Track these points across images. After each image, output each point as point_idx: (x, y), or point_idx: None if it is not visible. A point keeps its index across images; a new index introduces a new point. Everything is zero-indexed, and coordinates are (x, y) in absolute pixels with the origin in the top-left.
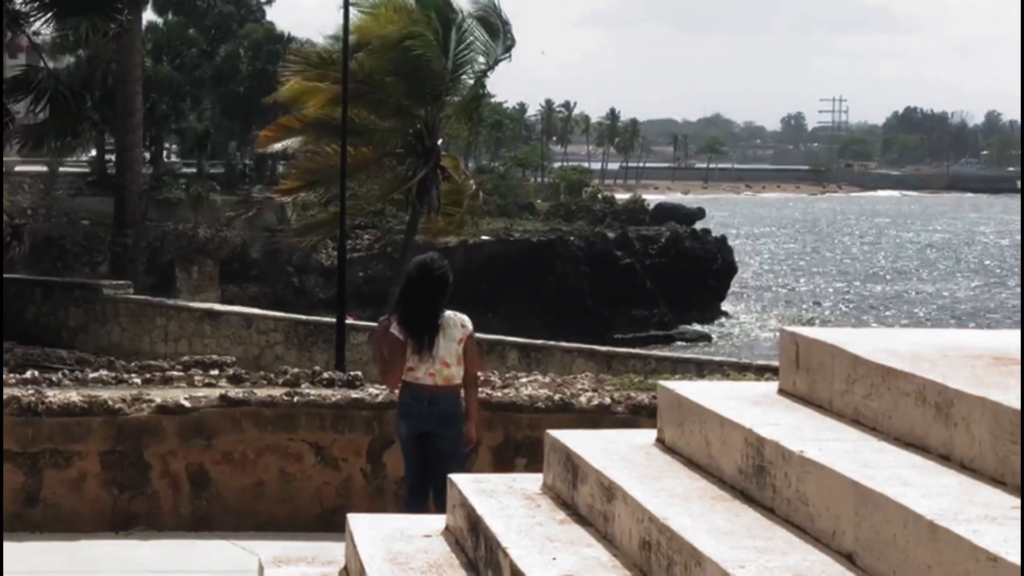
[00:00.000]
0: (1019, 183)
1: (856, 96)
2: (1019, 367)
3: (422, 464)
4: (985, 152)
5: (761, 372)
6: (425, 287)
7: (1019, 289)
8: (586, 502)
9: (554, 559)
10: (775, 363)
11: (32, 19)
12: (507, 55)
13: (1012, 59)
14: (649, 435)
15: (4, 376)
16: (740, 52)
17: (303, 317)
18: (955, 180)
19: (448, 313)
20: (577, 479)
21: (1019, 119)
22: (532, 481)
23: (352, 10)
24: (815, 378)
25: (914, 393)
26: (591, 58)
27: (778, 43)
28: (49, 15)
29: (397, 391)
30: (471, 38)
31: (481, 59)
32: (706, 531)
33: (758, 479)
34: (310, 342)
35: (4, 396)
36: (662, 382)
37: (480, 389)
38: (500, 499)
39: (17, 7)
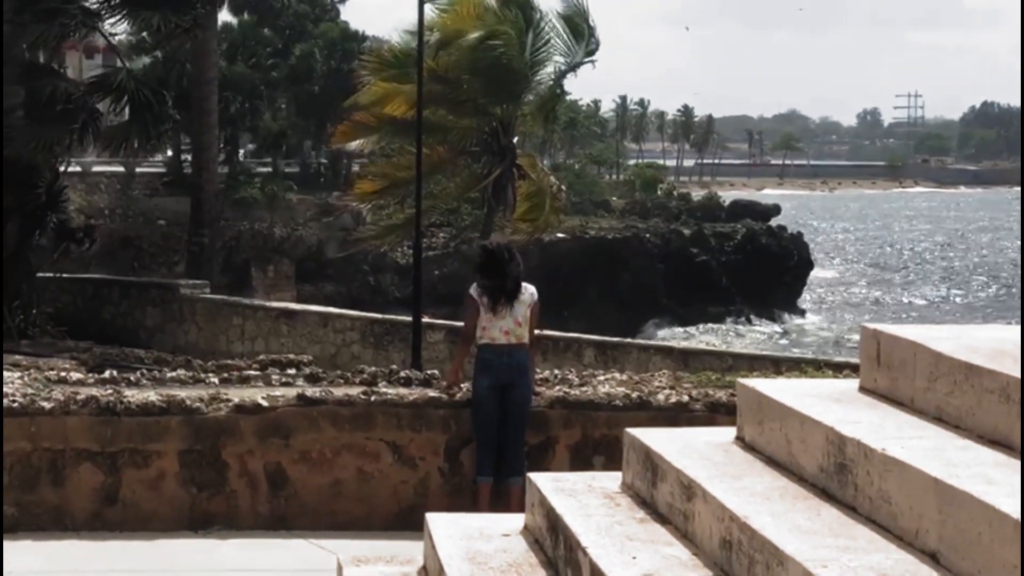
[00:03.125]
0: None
1: (932, 91)
2: None
3: (496, 417)
4: None
5: (839, 369)
6: (489, 262)
7: None
8: (666, 501)
9: (634, 558)
10: (853, 360)
11: (105, 16)
12: (591, 59)
13: None
14: (728, 433)
15: (83, 376)
16: (815, 48)
17: (379, 316)
18: None
19: (523, 283)
20: (657, 478)
21: None
22: (611, 480)
23: (428, 7)
24: (896, 375)
25: (998, 390)
26: (663, 56)
27: (853, 39)
28: (120, 14)
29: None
30: (549, 35)
31: (560, 58)
32: (788, 530)
33: (839, 477)
34: (386, 341)
35: (83, 396)
36: (741, 380)
37: (558, 387)
38: (579, 498)
39: (89, 6)
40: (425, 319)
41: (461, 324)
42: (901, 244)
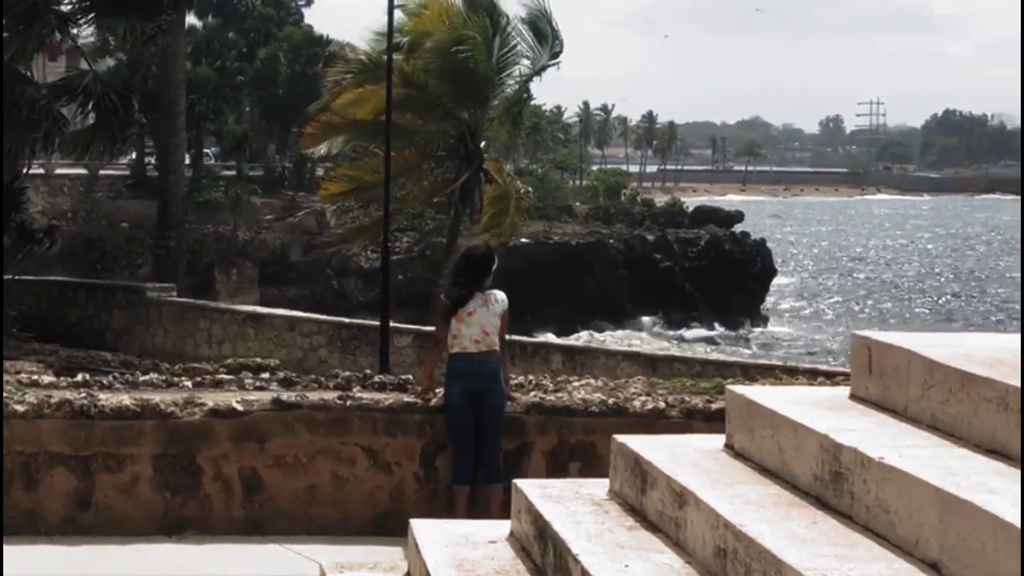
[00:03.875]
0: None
1: (894, 98)
2: None
3: (472, 426)
4: None
5: (813, 376)
6: (467, 267)
7: None
8: (656, 508)
9: (626, 566)
10: (822, 366)
11: (79, 20)
12: (555, 62)
13: None
14: (717, 440)
15: (55, 379)
16: (778, 55)
17: (346, 320)
18: (995, 182)
19: (493, 290)
20: (646, 485)
21: None
22: (598, 487)
23: (397, 11)
24: (889, 383)
25: (995, 399)
26: (627, 61)
27: (816, 45)
28: (89, 17)
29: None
30: (516, 40)
31: (526, 62)
32: (784, 538)
33: (835, 486)
34: (353, 345)
35: (57, 399)
36: (730, 387)
37: (533, 393)
38: (567, 505)
39: (61, 8)
40: (392, 323)
41: (428, 328)
42: (861, 251)
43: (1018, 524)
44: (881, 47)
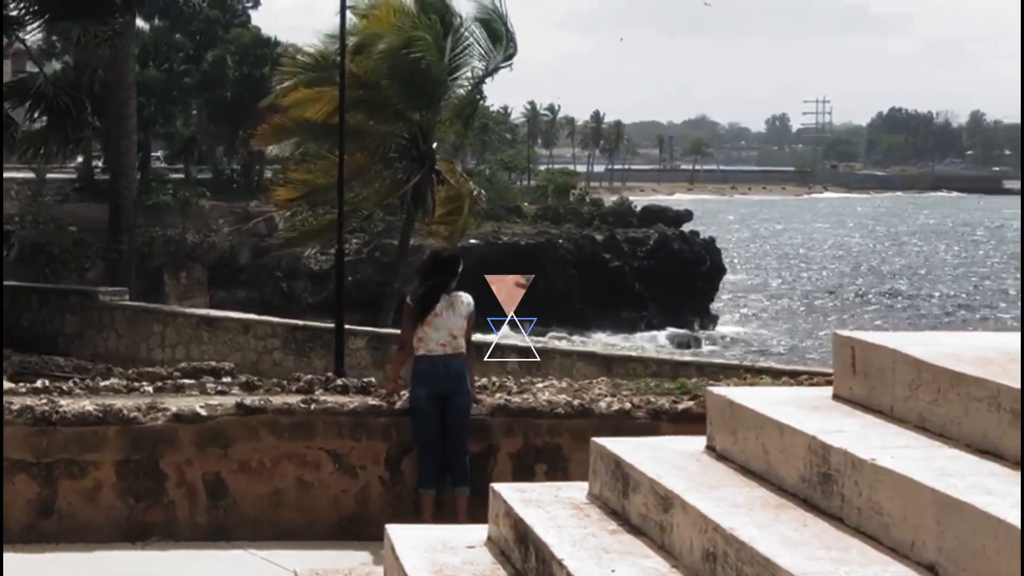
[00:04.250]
0: (1019, 183)
1: (840, 97)
2: None
3: (438, 428)
4: (970, 152)
5: (776, 375)
6: (433, 269)
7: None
8: (639, 512)
9: (613, 571)
10: (777, 365)
11: (27, 24)
12: (508, 63)
13: (996, 59)
14: (698, 442)
15: (14, 385)
16: (724, 54)
17: (300, 322)
18: (940, 180)
19: (459, 293)
20: (628, 488)
21: (1003, 119)
22: (577, 490)
23: (347, 12)
24: (874, 383)
25: (987, 399)
26: (572, 61)
27: (761, 45)
28: (41, 20)
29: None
30: (469, 40)
31: (478, 63)
32: (777, 541)
33: (824, 487)
34: (308, 347)
35: (18, 406)
36: (711, 388)
37: (498, 395)
38: (547, 509)
39: (11, 12)
40: (346, 325)
41: (383, 330)
42: (806, 251)
43: (1019, 526)
44: (826, 46)
